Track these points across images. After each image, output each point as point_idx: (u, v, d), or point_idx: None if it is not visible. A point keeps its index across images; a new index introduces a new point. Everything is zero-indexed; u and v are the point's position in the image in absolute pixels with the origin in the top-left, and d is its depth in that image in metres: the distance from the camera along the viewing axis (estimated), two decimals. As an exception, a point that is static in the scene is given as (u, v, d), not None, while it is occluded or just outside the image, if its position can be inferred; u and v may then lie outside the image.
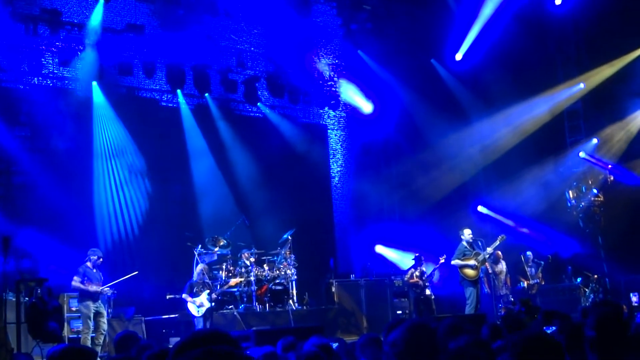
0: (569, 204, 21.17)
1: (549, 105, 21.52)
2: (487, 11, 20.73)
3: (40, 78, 17.75)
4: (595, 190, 20.84)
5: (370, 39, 21.53)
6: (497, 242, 17.45)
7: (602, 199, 20.76)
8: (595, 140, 21.29)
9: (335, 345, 7.05)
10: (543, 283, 19.42)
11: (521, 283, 19.15)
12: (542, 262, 19.64)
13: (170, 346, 8.29)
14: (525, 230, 21.33)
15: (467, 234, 17.23)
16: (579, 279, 19.95)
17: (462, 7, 21.03)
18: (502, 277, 18.81)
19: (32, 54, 17.22)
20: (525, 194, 21.27)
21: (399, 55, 21.65)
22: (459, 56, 21.91)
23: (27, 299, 13.42)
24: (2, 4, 16.19)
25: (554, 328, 7.59)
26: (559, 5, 20.62)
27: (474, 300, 16.77)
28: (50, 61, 17.83)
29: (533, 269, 19.45)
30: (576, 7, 20.60)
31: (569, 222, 21.13)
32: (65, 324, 14.76)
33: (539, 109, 21.46)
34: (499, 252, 18.38)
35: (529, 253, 19.70)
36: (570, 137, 22.04)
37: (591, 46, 21.10)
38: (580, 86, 21.24)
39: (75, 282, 14.33)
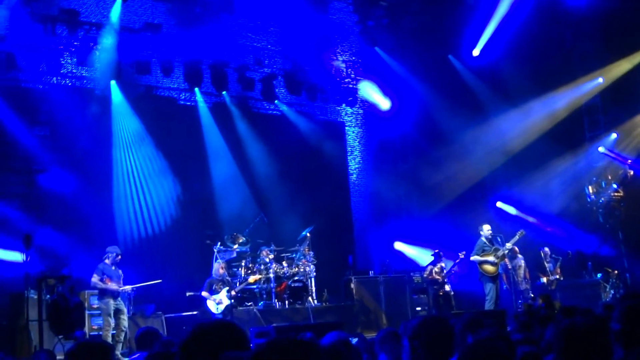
0: (588, 199, 21.03)
1: (568, 100, 21.37)
2: (504, 5, 20.63)
3: (59, 78, 17.87)
4: (615, 185, 20.67)
5: (387, 35, 21.50)
6: (517, 238, 17.42)
7: (622, 194, 20.60)
8: (614, 135, 21.12)
9: (354, 340, 7.05)
10: (562, 279, 19.32)
11: (541, 279, 19.07)
12: (560, 258, 19.53)
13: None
14: (544, 226, 21.22)
15: (486, 229, 17.21)
16: (599, 275, 19.81)
17: (479, 2, 20.93)
18: (521, 272, 18.73)
19: (50, 53, 17.31)
20: (544, 189, 21.15)
21: (416, 51, 21.60)
22: (476, 51, 21.81)
23: (48, 296, 13.51)
24: (20, 4, 16.28)
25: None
26: (576, -1, 20.52)
27: (493, 296, 16.75)
28: (69, 61, 17.95)
29: (551, 265, 19.35)
30: (595, 1, 20.45)
31: (588, 217, 21.01)
32: (86, 321, 14.86)
33: (557, 104, 21.32)
34: (516, 248, 18.30)
35: (546, 249, 19.60)
36: (590, 132, 21.89)
37: (610, 40, 20.92)
38: (599, 80, 21.07)
39: (95, 279, 14.44)
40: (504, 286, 18.31)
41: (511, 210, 21.82)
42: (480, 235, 17.28)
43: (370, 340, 7.45)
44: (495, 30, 21.07)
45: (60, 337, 13.34)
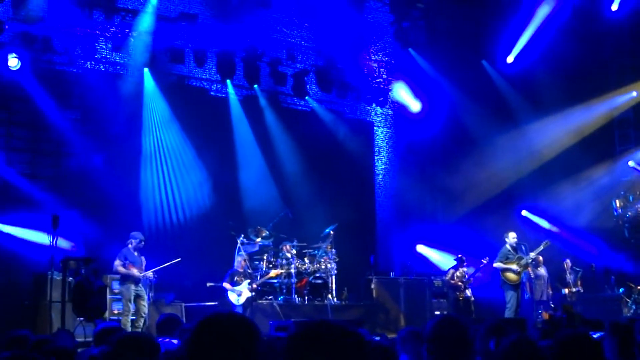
0: (615, 213, 20.89)
1: (600, 112, 21.23)
2: (541, 14, 20.52)
3: (93, 62, 17.96)
4: (643, 201, 20.54)
5: (422, 37, 21.46)
6: (541, 248, 17.37)
7: (649, 210, 20.47)
8: (645, 150, 20.98)
9: (377, 339, 7.06)
10: (582, 291, 19.21)
11: (562, 290, 18.96)
12: (581, 270, 19.44)
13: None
14: (568, 237, 21.08)
15: (511, 237, 17.16)
16: (621, 290, 19.67)
17: (517, 9, 20.84)
18: (543, 282, 18.65)
19: (86, 38, 17.42)
20: (571, 201, 21.00)
21: (449, 55, 21.52)
22: (510, 58, 21.72)
23: (71, 278, 13.62)
24: (60, -13, 16.44)
25: (601, 333, 7.53)
26: (615, 11, 20.33)
27: (514, 304, 16.71)
28: (104, 46, 18.04)
29: (572, 277, 19.25)
30: (633, 14, 20.29)
31: (614, 231, 20.86)
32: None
33: (589, 116, 21.18)
34: (540, 257, 18.22)
35: (568, 260, 19.49)
36: (620, 146, 21.73)
37: (647, 54, 20.81)
38: (633, 94, 20.92)
39: (117, 265, 14.56)
40: (526, 295, 18.24)
41: (536, 219, 21.70)
42: (504, 243, 17.21)
43: (392, 339, 7.45)
44: (531, 38, 20.96)
45: (81, 319, 13.44)
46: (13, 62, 15.89)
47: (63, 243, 14.97)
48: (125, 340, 4.57)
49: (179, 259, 16.06)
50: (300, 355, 2.84)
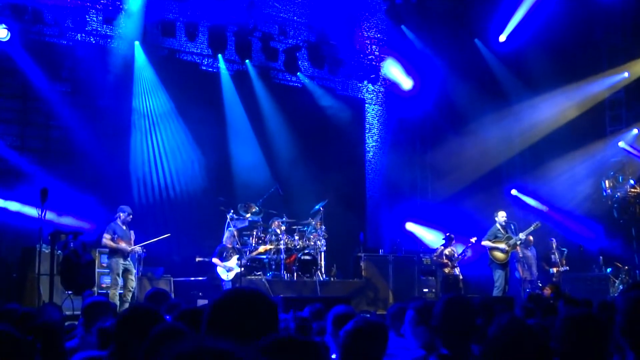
0: (604, 194, 20.96)
1: (591, 93, 21.23)
2: (534, -6, 20.48)
3: (83, 35, 17.84)
4: (632, 181, 20.59)
5: (414, 14, 21.36)
6: (531, 229, 17.43)
7: (638, 190, 20.52)
8: (635, 131, 20.97)
9: (367, 316, 7.07)
10: (568, 269, 19.30)
11: (550, 270, 19.05)
12: (565, 250, 19.54)
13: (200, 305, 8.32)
14: (556, 217, 21.16)
15: (501, 216, 17.19)
16: (609, 269, 19.78)
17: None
18: (531, 262, 18.74)
19: (76, 10, 17.28)
20: (561, 180, 21.06)
21: (442, 33, 21.50)
22: (502, 37, 21.68)
23: (59, 251, 13.59)
24: (50, -42, 16.28)
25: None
26: (608, -10, 20.31)
27: (502, 283, 16.76)
28: (94, 19, 17.91)
29: (558, 256, 19.34)
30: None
31: (603, 211, 20.93)
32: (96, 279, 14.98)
33: (580, 96, 21.19)
34: (531, 237, 18.28)
35: (554, 239, 19.58)
36: (611, 126, 21.74)
37: (639, 35, 20.76)
38: (624, 75, 20.91)
39: (106, 239, 14.50)
40: (517, 275, 18.35)
41: (526, 199, 21.75)
42: (494, 222, 17.25)
43: (381, 316, 7.45)
44: (524, 18, 20.92)
45: (70, 292, 13.44)
46: (2, 33, 15.77)
47: (69, 221, 15.05)
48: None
49: (168, 235, 16.04)
50: None
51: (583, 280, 19.43)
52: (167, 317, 6.72)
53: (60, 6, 16.92)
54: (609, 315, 5.37)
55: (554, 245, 19.29)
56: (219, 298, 3.06)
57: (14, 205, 15.78)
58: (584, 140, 21.01)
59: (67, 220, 15.73)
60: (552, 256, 19.17)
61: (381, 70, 22.19)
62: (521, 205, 21.53)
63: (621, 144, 20.97)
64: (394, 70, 22.22)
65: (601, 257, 20.03)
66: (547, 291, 13.60)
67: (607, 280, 19.10)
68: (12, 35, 15.97)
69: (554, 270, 18.93)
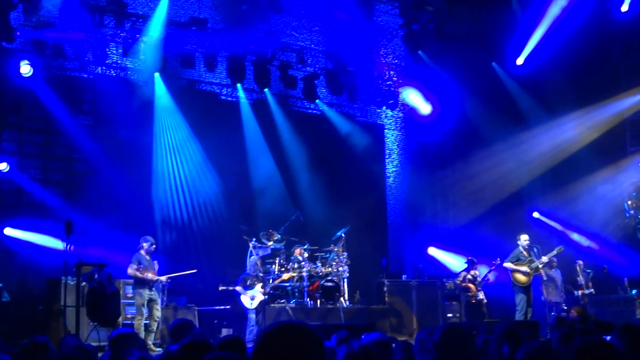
0: (627, 214, 20.81)
1: (611, 114, 21.14)
2: (551, 16, 20.46)
3: (104, 68, 18.08)
4: (655, 202, 20.45)
5: (432, 40, 21.39)
6: (554, 253, 17.39)
7: (661, 211, 20.37)
8: (656, 151, 20.89)
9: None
10: (594, 293, 19.15)
11: (575, 292, 18.91)
12: (591, 272, 19.38)
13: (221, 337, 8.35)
14: (580, 239, 21.02)
15: (523, 239, 17.12)
16: (634, 291, 19.59)
17: (526, 11, 20.79)
18: (556, 284, 18.63)
19: (97, 43, 17.47)
20: (583, 202, 20.93)
21: (459, 57, 21.50)
22: (520, 60, 21.66)
23: (85, 283, 13.68)
24: (71, -6, 16.50)
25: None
26: (625, 12, 20.25)
27: (523, 306, 16.66)
28: (114, 51, 18.15)
29: (584, 278, 19.19)
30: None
31: (626, 232, 20.78)
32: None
33: (600, 117, 21.11)
34: (554, 260, 18.18)
35: (580, 262, 19.44)
36: (632, 147, 21.63)
37: (657, 55, 20.72)
38: (644, 95, 20.85)
39: (132, 269, 14.59)
40: (542, 297, 18.25)
41: (548, 221, 21.64)
42: (517, 245, 17.19)
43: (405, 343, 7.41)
44: (541, 40, 20.89)
45: (95, 324, 13.49)
46: (25, 69, 15.97)
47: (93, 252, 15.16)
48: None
49: (195, 270, 16.19)
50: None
51: (608, 302, 19.25)
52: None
53: (81, 40, 17.11)
54: (631, 338, 5.33)
55: (578, 268, 19.14)
56: (267, 330, 3.06)
57: (38, 238, 15.91)
58: (605, 161, 20.90)
59: (91, 252, 15.82)
60: (578, 278, 19.02)
61: (399, 96, 22.24)
62: (544, 228, 21.40)
63: (643, 164, 20.84)
64: (412, 96, 22.25)
65: (626, 279, 19.84)
66: (574, 313, 13.51)
67: (632, 302, 18.91)
68: (35, 70, 16.17)
69: (579, 292, 18.78)
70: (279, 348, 2.94)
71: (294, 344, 2.94)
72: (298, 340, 2.96)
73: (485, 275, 18.01)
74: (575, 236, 21.13)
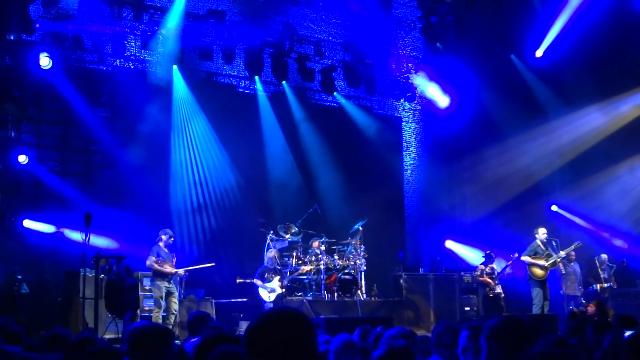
0: (647, 208, 20.70)
1: (630, 106, 21.00)
2: (570, 8, 20.31)
3: (122, 60, 18.13)
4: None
5: (450, 32, 21.28)
6: (572, 248, 17.31)
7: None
8: (675, 143, 20.71)
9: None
10: (615, 287, 19.04)
11: (594, 286, 18.82)
12: (614, 266, 19.26)
13: (241, 331, 8.37)
14: (599, 232, 20.91)
15: (541, 233, 17.02)
16: (654, 285, 19.49)
17: (545, 4, 20.65)
18: (574, 278, 18.56)
19: (115, 36, 17.54)
20: (603, 195, 20.83)
21: (478, 50, 21.36)
22: (539, 53, 21.51)
23: (102, 275, 13.74)
24: (90, -14, 16.53)
25: (631, 332, 7.45)
26: (645, 3, 20.10)
27: (540, 300, 16.56)
28: (133, 44, 18.19)
29: (606, 272, 19.08)
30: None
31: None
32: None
33: (619, 110, 20.97)
34: (573, 253, 18.10)
35: (603, 256, 19.31)
36: (653, 139, 21.50)
37: (677, 48, 20.54)
38: (665, 87, 20.70)
39: (151, 261, 14.65)
40: (561, 291, 18.19)
41: (567, 214, 21.53)
42: (535, 238, 17.10)
43: (421, 337, 7.39)
44: (560, 32, 20.74)
45: (114, 316, 13.56)
46: (45, 61, 15.99)
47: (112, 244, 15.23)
48: None
49: (213, 264, 16.27)
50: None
51: (627, 296, 19.14)
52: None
53: (100, 32, 17.16)
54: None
55: (600, 261, 19.02)
56: (258, 319, 3.06)
57: (56, 230, 15.98)
58: (624, 154, 20.77)
59: (109, 244, 15.89)
60: (599, 272, 18.92)
61: (417, 89, 22.15)
62: (562, 222, 21.30)
63: (662, 157, 20.70)
64: (430, 88, 22.15)
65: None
66: (591, 308, 13.43)
67: (652, 295, 18.82)
68: (54, 63, 16.18)
69: (598, 286, 18.68)
70: (270, 334, 2.93)
71: (284, 329, 2.93)
72: (288, 326, 2.95)
73: (503, 269, 17.96)
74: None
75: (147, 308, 15.30)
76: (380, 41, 20.75)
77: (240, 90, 20.20)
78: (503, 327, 4.61)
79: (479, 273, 18.24)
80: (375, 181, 21.13)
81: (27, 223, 15.99)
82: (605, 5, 19.54)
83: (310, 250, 18.01)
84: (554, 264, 16.90)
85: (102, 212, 15.13)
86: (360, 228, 18.56)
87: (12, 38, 15.65)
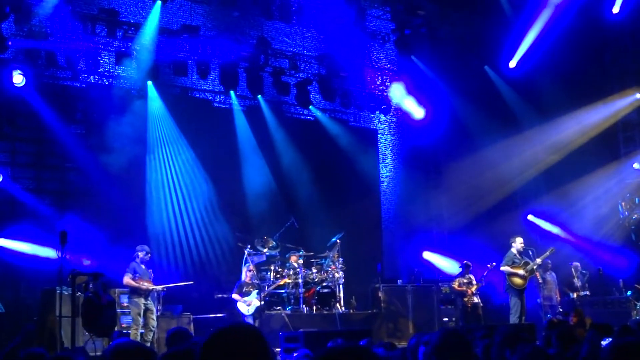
0: (621, 216, 20.88)
1: (603, 115, 21.23)
2: (542, 19, 20.53)
3: (96, 77, 18.06)
4: (649, 203, 20.52)
5: (424, 44, 21.41)
6: (547, 254, 17.39)
7: (655, 211, 20.45)
8: (650, 152, 20.97)
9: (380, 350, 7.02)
10: (589, 294, 19.19)
11: (570, 294, 18.94)
12: (587, 273, 19.42)
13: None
14: (575, 241, 21.07)
15: (518, 242, 17.13)
16: (629, 293, 19.62)
17: (518, 14, 20.85)
18: (551, 287, 18.67)
19: (89, 52, 17.44)
20: (577, 204, 21.02)
21: (452, 61, 21.52)
22: (512, 63, 21.72)
23: (79, 293, 13.61)
24: (62, 3, 16.42)
25: (609, 339, 7.51)
26: (616, 13, 20.33)
27: (518, 309, 16.68)
28: (107, 60, 18.11)
29: (580, 280, 19.23)
30: (634, 16, 20.29)
31: (620, 233, 20.84)
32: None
33: (592, 119, 21.19)
34: (549, 262, 18.23)
35: (576, 264, 19.48)
36: (625, 148, 21.74)
37: (648, 56, 20.81)
38: (636, 96, 20.93)
39: (127, 278, 14.56)
40: (538, 300, 18.29)
41: (542, 223, 21.67)
42: (510, 247, 17.20)
43: (401, 349, 7.41)
44: (533, 43, 20.97)
45: (91, 334, 13.44)
46: (18, 78, 15.91)
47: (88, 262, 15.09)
48: None
49: (192, 282, 16.25)
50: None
51: (603, 304, 19.29)
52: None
53: (73, 49, 17.07)
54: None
55: (574, 270, 19.18)
56: (211, 334, 3.06)
57: (32, 248, 15.85)
58: (598, 163, 20.98)
59: (85, 262, 15.77)
60: (574, 280, 19.06)
61: (392, 101, 22.24)
62: (538, 231, 21.43)
63: (636, 165, 20.94)
64: (405, 100, 22.24)
65: (621, 280, 19.88)
66: (574, 319, 13.53)
67: (627, 303, 18.95)
68: (27, 80, 16.11)
69: (575, 294, 18.81)
70: (224, 349, 2.95)
71: (238, 344, 2.94)
72: (242, 341, 2.96)
73: (479, 280, 18.03)
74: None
75: (125, 325, 15.19)
76: (355, 54, 20.84)
77: (216, 105, 20.19)
78: (441, 341, 4.64)
79: (456, 284, 18.29)
80: (352, 194, 21.17)
81: (2, 242, 15.84)
82: (577, 17, 19.78)
83: (288, 264, 17.96)
84: (532, 271, 17.01)
85: (78, 229, 15.02)
86: (338, 241, 18.54)
87: (-16, 56, 15.57)
